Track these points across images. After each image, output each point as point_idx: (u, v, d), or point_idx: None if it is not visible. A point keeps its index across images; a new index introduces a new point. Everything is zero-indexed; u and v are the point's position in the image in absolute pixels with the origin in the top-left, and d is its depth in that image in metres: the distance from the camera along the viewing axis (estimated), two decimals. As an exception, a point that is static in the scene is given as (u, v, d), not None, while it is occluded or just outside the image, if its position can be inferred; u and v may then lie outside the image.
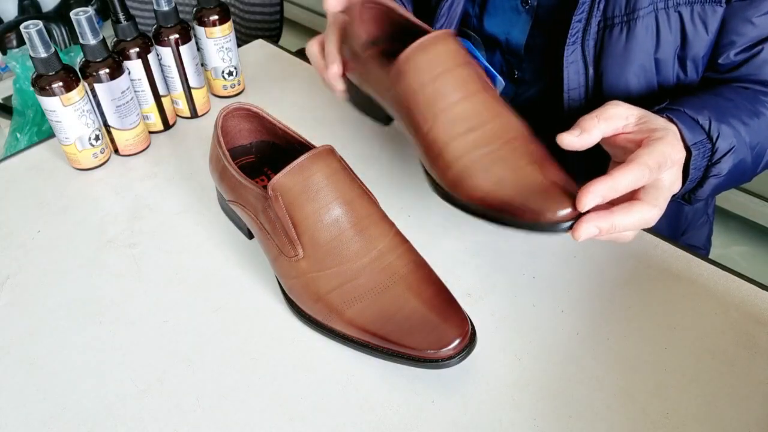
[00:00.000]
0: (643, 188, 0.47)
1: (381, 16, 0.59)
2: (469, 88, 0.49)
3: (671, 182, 0.47)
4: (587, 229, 0.44)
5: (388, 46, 0.60)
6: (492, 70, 0.55)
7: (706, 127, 0.52)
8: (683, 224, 0.77)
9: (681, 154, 0.48)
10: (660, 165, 0.45)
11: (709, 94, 0.57)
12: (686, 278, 0.53)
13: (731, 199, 1.52)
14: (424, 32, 0.54)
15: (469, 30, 0.62)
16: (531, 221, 0.45)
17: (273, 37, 1.26)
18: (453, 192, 0.49)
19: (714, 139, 0.52)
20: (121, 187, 0.64)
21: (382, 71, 0.53)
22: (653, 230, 0.57)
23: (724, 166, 0.53)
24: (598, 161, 0.54)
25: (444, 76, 0.49)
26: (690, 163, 0.51)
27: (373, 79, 0.53)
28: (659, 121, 0.49)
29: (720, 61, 0.60)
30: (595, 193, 0.43)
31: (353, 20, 0.56)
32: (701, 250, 0.80)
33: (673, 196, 0.53)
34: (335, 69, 0.60)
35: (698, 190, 0.55)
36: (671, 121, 0.51)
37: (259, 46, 0.89)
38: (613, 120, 0.49)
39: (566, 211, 0.44)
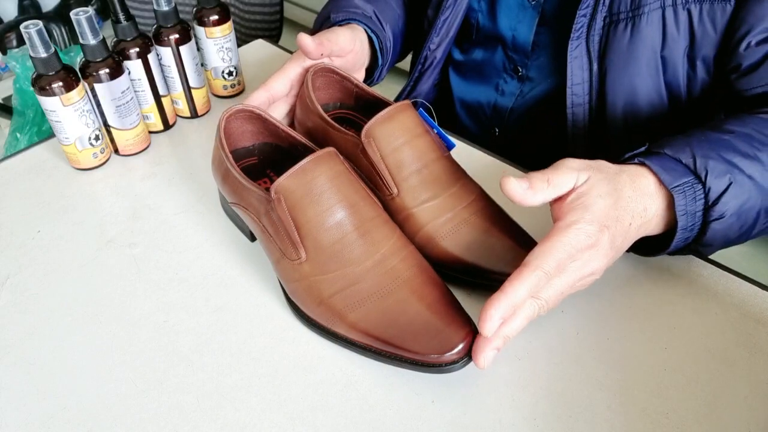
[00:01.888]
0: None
1: (333, 83, 0.62)
2: (429, 156, 0.53)
3: (579, 267, 0.43)
4: (487, 357, 0.42)
5: (341, 112, 0.64)
6: (444, 134, 0.57)
7: (691, 166, 0.47)
8: None
9: (596, 237, 0.43)
10: (560, 263, 0.42)
11: (705, 129, 0.51)
12: (686, 278, 0.53)
13: (731, 199, 1.52)
14: (377, 98, 0.59)
15: (427, 104, 0.64)
16: (498, 283, 0.47)
17: (273, 37, 1.26)
18: (423, 252, 0.51)
19: (703, 178, 0.46)
20: (121, 187, 0.64)
21: (341, 138, 0.55)
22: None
23: (727, 208, 0.47)
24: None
25: (406, 145, 0.52)
26: (675, 209, 0.46)
27: (331, 145, 0.55)
28: (589, 197, 0.44)
29: (741, 50, 0.55)
30: (493, 318, 0.41)
31: (306, 87, 0.58)
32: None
33: (667, 249, 0.49)
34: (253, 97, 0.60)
35: (702, 237, 0.48)
36: (643, 165, 0.47)
37: (259, 46, 0.89)
38: (560, 188, 0.45)
39: None
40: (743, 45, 0.55)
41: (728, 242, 0.50)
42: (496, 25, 0.72)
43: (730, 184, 0.47)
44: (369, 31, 0.69)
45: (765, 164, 0.48)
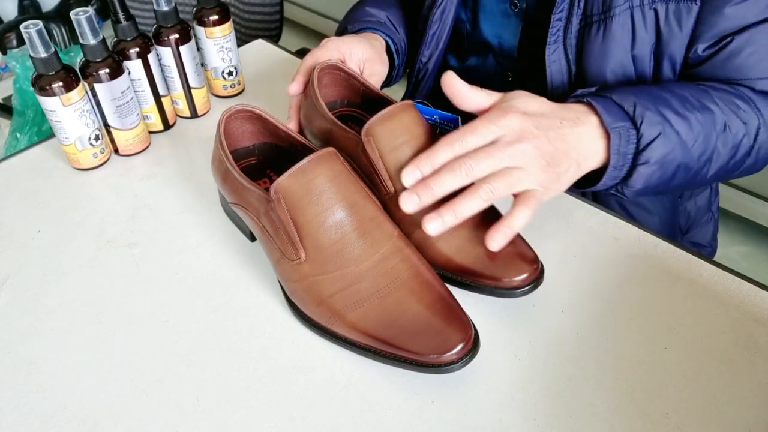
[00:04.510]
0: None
1: (339, 81, 0.62)
2: None
3: (500, 136, 0.48)
4: (409, 200, 0.47)
5: (347, 110, 0.65)
6: (445, 114, 0.58)
7: (631, 113, 0.52)
8: (686, 222, 0.77)
9: (504, 114, 0.48)
10: (471, 130, 0.48)
11: (651, 86, 0.57)
12: (686, 278, 0.53)
13: (732, 199, 1.52)
14: (382, 97, 0.59)
15: (424, 101, 0.65)
16: (490, 287, 0.49)
17: (273, 37, 1.26)
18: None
19: (638, 125, 0.52)
20: (121, 187, 0.64)
21: (344, 136, 0.55)
22: (652, 230, 0.57)
23: (653, 155, 0.52)
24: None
25: (405, 145, 0.52)
26: (610, 148, 0.51)
27: (334, 142, 0.55)
28: (503, 101, 0.51)
29: (690, 54, 0.60)
30: (413, 172, 0.48)
31: (312, 84, 0.59)
32: (706, 248, 0.80)
33: (598, 183, 0.54)
34: (291, 126, 0.62)
35: (629, 179, 0.54)
36: (591, 107, 0.52)
37: (259, 46, 0.89)
38: (490, 94, 0.52)
39: (522, 277, 0.48)
40: (692, 50, 0.59)
41: (648, 188, 0.55)
42: (483, 34, 0.73)
43: (659, 134, 0.52)
44: (384, 36, 0.72)
45: (692, 125, 0.54)
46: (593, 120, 0.51)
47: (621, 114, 0.52)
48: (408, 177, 0.48)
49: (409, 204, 0.47)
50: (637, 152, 0.52)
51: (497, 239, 0.47)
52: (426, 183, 0.47)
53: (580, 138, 0.51)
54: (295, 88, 0.62)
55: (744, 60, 0.57)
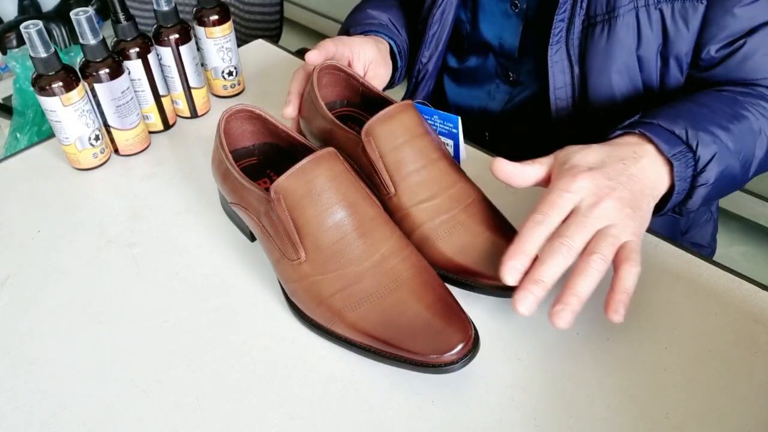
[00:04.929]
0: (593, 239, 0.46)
1: (339, 81, 0.63)
2: (429, 157, 0.52)
3: (583, 201, 0.46)
4: (524, 301, 0.44)
5: (347, 110, 0.65)
6: (445, 114, 0.58)
7: (684, 137, 0.51)
8: (685, 222, 0.77)
9: (576, 174, 0.47)
10: (551, 203, 0.46)
11: (685, 102, 0.56)
12: (686, 278, 0.53)
13: (732, 200, 1.52)
14: (381, 97, 0.59)
15: (424, 101, 0.65)
16: (491, 287, 0.49)
17: (273, 37, 1.26)
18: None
19: (694, 148, 0.51)
20: (121, 187, 0.64)
21: (344, 136, 0.55)
22: (652, 230, 0.57)
23: (711, 174, 0.52)
24: None
25: (405, 145, 0.52)
26: (673, 174, 0.50)
27: (334, 142, 0.55)
28: (566, 156, 0.50)
29: (702, 56, 0.59)
30: (513, 269, 0.45)
31: (312, 85, 0.59)
32: (706, 248, 0.80)
33: (661, 210, 0.53)
34: (289, 110, 0.61)
35: (688, 201, 0.54)
36: (644, 136, 0.51)
37: (259, 46, 0.89)
38: (542, 162, 0.50)
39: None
40: (704, 51, 0.59)
41: (704, 205, 0.55)
42: (483, 34, 0.73)
43: (715, 153, 0.52)
44: (387, 39, 0.72)
45: (736, 137, 0.53)
46: (650, 149, 0.50)
47: (674, 139, 0.51)
48: (509, 275, 0.45)
49: (526, 305, 0.44)
50: (695, 174, 0.52)
51: (620, 310, 0.45)
52: (533, 278, 0.44)
53: (646, 172, 0.50)
54: (315, 55, 0.61)
55: (759, 60, 0.58)
